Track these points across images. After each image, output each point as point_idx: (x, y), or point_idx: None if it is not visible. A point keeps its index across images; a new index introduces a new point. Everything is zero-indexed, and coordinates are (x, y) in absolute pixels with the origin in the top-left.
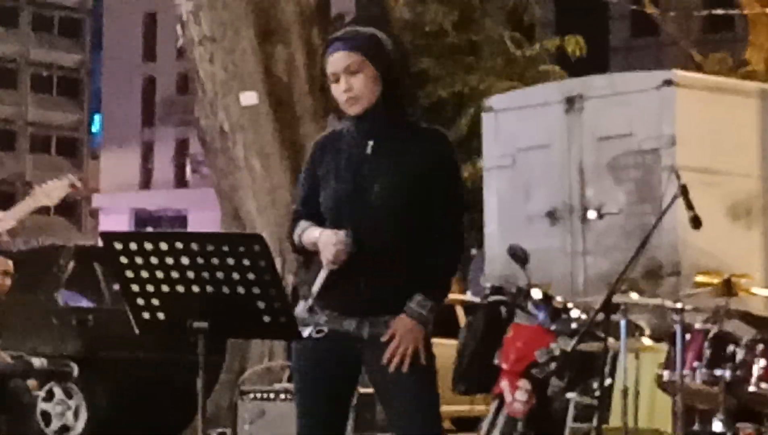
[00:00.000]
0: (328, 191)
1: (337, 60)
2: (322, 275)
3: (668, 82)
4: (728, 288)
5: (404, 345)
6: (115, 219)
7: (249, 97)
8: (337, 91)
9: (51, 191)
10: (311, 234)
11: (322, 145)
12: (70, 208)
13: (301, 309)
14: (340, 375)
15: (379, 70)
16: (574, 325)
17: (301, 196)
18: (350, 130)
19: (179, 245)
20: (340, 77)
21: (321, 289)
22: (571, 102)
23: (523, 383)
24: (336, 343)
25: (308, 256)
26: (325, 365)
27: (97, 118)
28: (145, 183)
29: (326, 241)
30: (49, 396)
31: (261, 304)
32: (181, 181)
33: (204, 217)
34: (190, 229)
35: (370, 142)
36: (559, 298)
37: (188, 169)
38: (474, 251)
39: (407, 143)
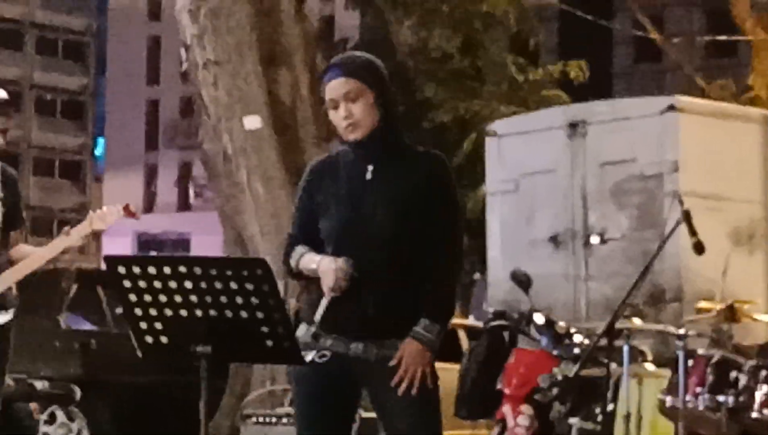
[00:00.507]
0: (328, 218)
1: (335, 87)
2: (324, 303)
3: (671, 108)
4: (731, 314)
5: (412, 369)
6: (118, 242)
7: (252, 121)
8: (336, 117)
9: (105, 216)
10: (309, 261)
11: (318, 171)
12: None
13: (303, 333)
14: (342, 399)
15: (378, 96)
16: (576, 350)
17: (297, 222)
18: (347, 155)
19: (183, 269)
20: (339, 104)
21: (323, 316)
22: (574, 127)
23: (526, 408)
24: (339, 366)
25: (308, 281)
26: (327, 389)
27: (100, 141)
28: (149, 206)
29: (326, 268)
30: (51, 419)
31: (264, 329)
32: (184, 205)
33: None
34: (193, 252)
35: (370, 167)
36: (561, 323)
37: (191, 192)
38: (477, 276)
39: (406, 167)
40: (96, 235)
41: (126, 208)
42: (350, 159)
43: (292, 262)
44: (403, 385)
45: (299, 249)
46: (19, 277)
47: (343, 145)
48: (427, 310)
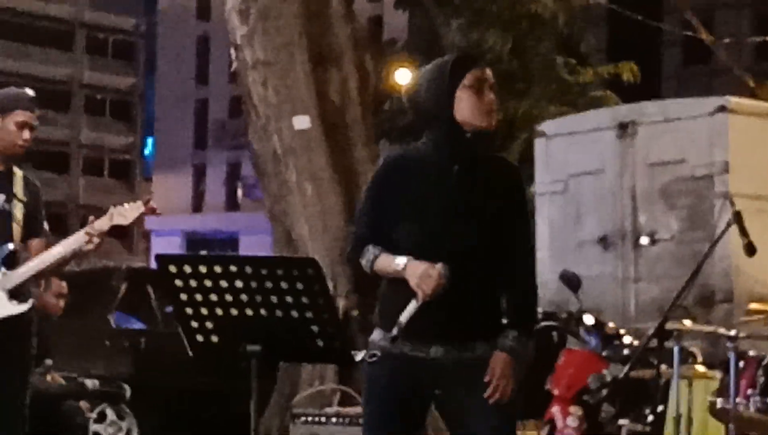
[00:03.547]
0: (410, 220)
1: (488, 74)
2: (413, 306)
3: (721, 109)
4: None
5: (504, 382)
6: (167, 241)
7: (302, 121)
8: (477, 98)
9: (126, 212)
10: (389, 262)
11: (397, 167)
12: (122, 231)
13: (379, 337)
14: (413, 401)
15: None
16: (626, 352)
17: (367, 220)
18: (429, 152)
19: (233, 268)
20: (485, 89)
21: (410, 319)
22: (623, 128)
23: (575, 409)
24: (414, 371)
25: (367, 282)
26: (398, 391)
27: (149, 140)
28: (197, 206)
29: (423, 272)
30: (101, 417)
31: (314, 328)
32: (232, 205)
33: (255, 240)
34: (241, 252)
35: (456, 167)
36: (611, 324)
37: (240, 192)
38: None
39: (485, 173)
40: (144, 235)
41: (147, 204)
42: (434, 158)
43: (364, 262)
44: (495, 397)
45: (372, 249)
46: (36, 271)
47: (426, 140)
48: (514, 321)
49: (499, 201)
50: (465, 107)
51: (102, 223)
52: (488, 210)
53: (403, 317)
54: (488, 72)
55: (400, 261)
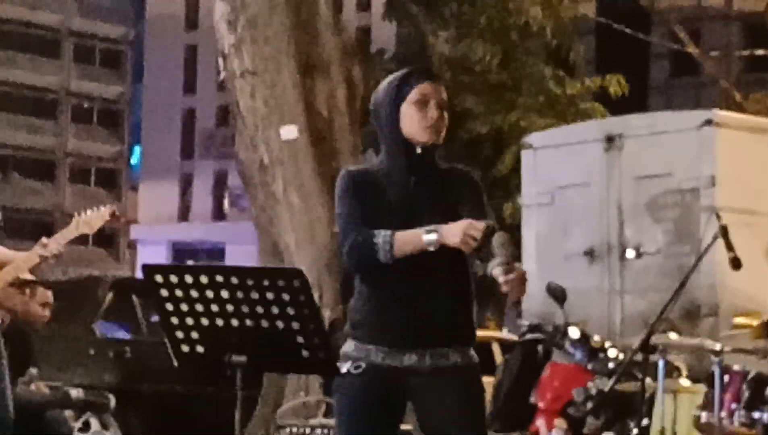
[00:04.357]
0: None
1: (434, 89)
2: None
3: (708, 122)
4: (767, 330)
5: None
6: (153, 251)
7: (289, 132)
8: (420, 114)
9: (91, 220)
10: (413, 235)
11: (359, 180)
12: (108, 240)
13: (352, 349)
14: (388, 413)
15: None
16: (611, 365)
17: (356, 214)
18: (384, 167)
19: (219, 278)
20: (430, 104)
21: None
22: (610, 141)
23: (560, 422)
24: (387, 380)
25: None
26: (373, 402)
27: (136, 149)
28: (184, 215)
29: (466, 227)
30: (86, 427)
31: (300, 339)
32: (219, 214)
33: (241, 250)
34: (227, 262)
35: (413, 179)
36: (596, 338)
37: (226, 202)
38: None
39: (445, 183)
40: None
41: (112, 214)
42: (391, 170)
43: (380, 242)
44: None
45: (382, 231)
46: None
47: (380, 157)
48: None
49: (460, 207)
50: (408, 123)
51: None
52: (449, 219)
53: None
54: (435, 87)
55: (429, 228)
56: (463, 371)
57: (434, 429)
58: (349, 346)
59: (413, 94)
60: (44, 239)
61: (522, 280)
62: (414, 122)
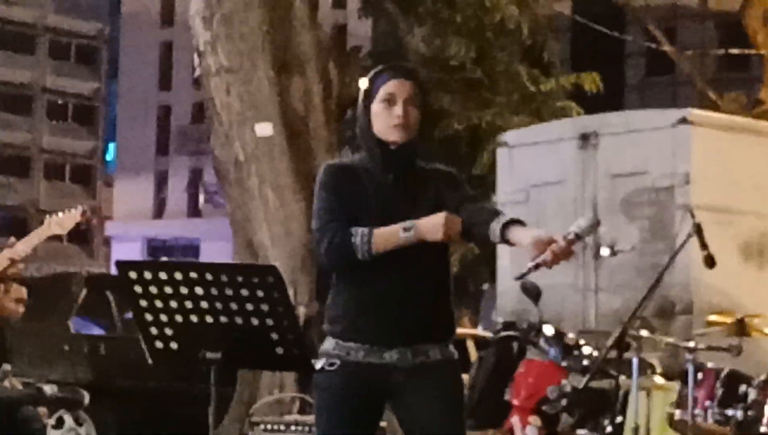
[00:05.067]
0: (360, 225)
1: (401, 86)
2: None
3: (683, 121)
4: (741, 328)
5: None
6: (128, 247)
7: (264, 128)
8: (387, 113)
9: (63, 221)
10: (392, 231)
11: (339, 174)
12: (82, 236)
13: (332, 346)
14: (367, 409)
15: (421, 112)
16: (585, 362)
17: (334, 210)
18: (365, 163)
19: (194, 275)
20: (397, 102)
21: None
22: (585, 138)
23: (534, 419)
24: (367, 376)
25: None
26: (353, 399)
27: (111, 146)
28: (159, 212)
29: (444, 220)
30: (59, 423)
31: (274, 336)
32: (194, 211)
33: (216, 247)
34: (202, 258)
35: (390, 176)
36: (570, 335)
37: (201, 198)
38: (486, 286)
39: (423, 179)
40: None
41: (83, 214)
42: (369, 166)
43: (358, 241)
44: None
45: (360, 229)
46: None
47: (359, 153)
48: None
49: (440, 201)
50: (377, 122)
51: (42, 233)
52: (427, 208)
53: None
54: (403, 84)
55: (406, 225)
56: (444, 367)
57: (416, 425)
58: (329, 344)
59: (381, 93)
60: (12, 239)
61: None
62: (381, 121)
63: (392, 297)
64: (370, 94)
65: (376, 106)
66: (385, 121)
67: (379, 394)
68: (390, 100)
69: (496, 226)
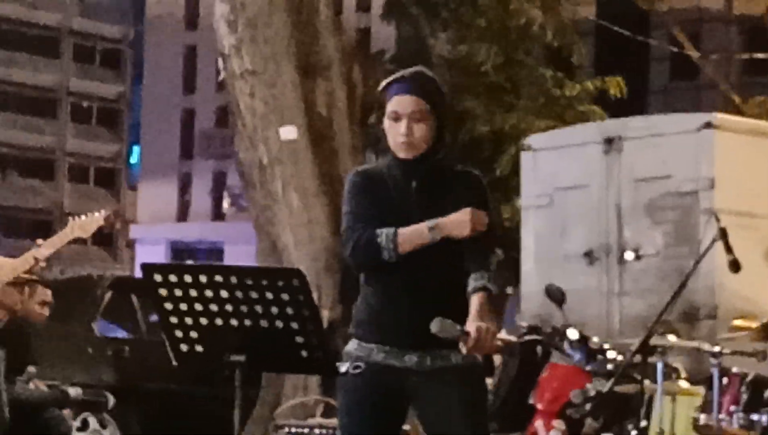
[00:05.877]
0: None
1: (404, 102)
2: None
3: (708, 125)
4: (766, 333)
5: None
6: (152, 250)
7: (288, 132)
8: (394, 130)
9: (86, 224)
10: (417, 229)
11: (367, 179)
12: (106, 239)
13: (355, 347)
14: (390, 412)
15: (438, 121)
16: (610, 366)
17: (361, 214)
18: (392, 169)
19: (219, 278)
20: (402, 119)
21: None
22: (609, 143)
23: (558, 423)
24: (388, 379)
25: (352, 293)
26: (375, 401)
27: (135, 149)
28: (182, 215)
29: (469, 216)
30: (84, 426)
31: (299, 339)
32: (218, 214)
33: (240, 250)
34: (226, 262)
35: (414, 183)
36: (595, 339)
37: (225, 202)
38: (510, 290)
39: (445, 185)
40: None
41: (107, 219)
42: (395, 173)
43: (383, 241)
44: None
45: (384, 229)
46: None
47: (385, 158)
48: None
49: (459, 207)
50: (388, 136)
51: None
52: (447, 214)
53: None
54: (409, 100)
55: (431, 224)
56: (465, 371)
57: (436, 429)
58: (351, 345)
59: (388, 108)
60: (39, 241)
61: (481, 338)
62: (390, 137)
63: (414, 301)
64: (382, 107)
65: (386, 122)
66: (393, 138)
67: (398, 395)
68: (395, 118)
69: (470, 283)
